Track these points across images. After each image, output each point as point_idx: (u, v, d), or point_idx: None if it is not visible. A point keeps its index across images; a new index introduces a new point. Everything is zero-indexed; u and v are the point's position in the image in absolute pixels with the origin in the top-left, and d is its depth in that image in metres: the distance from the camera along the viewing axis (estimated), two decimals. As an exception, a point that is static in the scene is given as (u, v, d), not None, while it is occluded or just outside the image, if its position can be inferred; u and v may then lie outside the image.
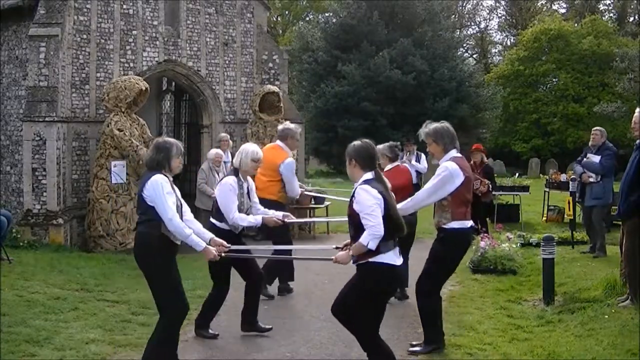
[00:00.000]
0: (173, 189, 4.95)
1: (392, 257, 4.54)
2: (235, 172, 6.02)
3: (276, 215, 6.24)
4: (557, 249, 7.63)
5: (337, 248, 4.84)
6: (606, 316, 6.18)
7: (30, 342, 5.61)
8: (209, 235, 5.27)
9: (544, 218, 13.92)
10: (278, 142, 7.64)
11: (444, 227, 5.45)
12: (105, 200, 10.32)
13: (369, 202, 4.43)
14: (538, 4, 43.55)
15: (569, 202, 10.70)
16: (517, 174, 16.32)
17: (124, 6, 11.37)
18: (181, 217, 4.95)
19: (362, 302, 4.57)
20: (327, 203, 13.14)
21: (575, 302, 6.88)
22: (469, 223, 5.50)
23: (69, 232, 10.45)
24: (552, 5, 43.91)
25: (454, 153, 5.46)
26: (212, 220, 6.00)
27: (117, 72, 11.28)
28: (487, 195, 11.37)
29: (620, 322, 5.92)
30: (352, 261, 4.60)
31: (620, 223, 7.41)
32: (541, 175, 24.39)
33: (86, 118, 11.14)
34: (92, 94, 11.13)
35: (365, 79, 27.62)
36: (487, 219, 11.91)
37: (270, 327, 6.21)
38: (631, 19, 38.89)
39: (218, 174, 10.90)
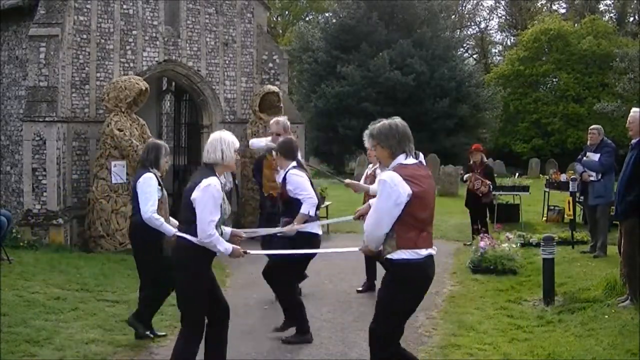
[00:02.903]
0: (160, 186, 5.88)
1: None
2: (212, 170, 4.65)
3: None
4: (557, 249, 7.63)
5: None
6: (606, 316, 6.18)
7: (30, 342, 5.61)
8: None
9: (544, 218, 13.91)
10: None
11: (389, 257, 4.10)
12: (105, 200, 10.31)
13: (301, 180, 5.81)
14: (538, 4, 43.59)
15: (569, 202, 10.70)
16: (517, 174, 16.33)
17: (124, 6, 11.36)
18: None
19: (292, 266, 5.98)
20: (327, 203, 13.16)
21: (575, 302, 6.88)
22: (424, 251, 4.09)
23: (69, 232, 10.45)
24: (552, 5, 43.94)
25: (401, 159, 4.17)
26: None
27: (117, 72, 11.27)
28: (488, 196, 11.39)
29: (620, 322, 5.92)
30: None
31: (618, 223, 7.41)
32: (541, 175, 24.40)
33: (86, 118, 11.14)
34: (92, 94, 11.12)
35: (365, 80, 27.62)
36: (487, 219, 11.92)
37: None
38: (631, 19, 38.91)
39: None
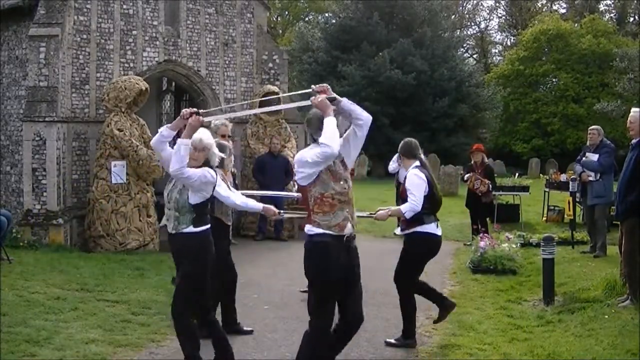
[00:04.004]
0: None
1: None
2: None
3: None
4: (557, 249, 7.63)
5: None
6: (606, 316, 6.18)
7: (30, 342, 5.61)
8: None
9: (544, 218, 13.92)
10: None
11: None
12: (105, 201, 10.32)
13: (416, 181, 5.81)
14: (538, 4, 43.60)
15: (569, 202, 10.71)
16: (517, 174, 16.33)
17: (124, 6, 11.36)
18: None
19: (410, 265, 5.95)
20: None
21: (575, 302, 6.88)
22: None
23: (69, 232, 10.45)
24: (552, 5, 43.94)
25: None
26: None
27: (117, 72, 11.27)
28: (488, 195, 11.38)
29: (620, 322, 5.92)
30: (400, 229, 6.07)
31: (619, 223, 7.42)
32: (541, 175, 24.38)
33: (86, 118, 11.14)
34: (92, 94, 11.12)
35: (366, 79, 27.62)
36: (488, 219, 11.91)
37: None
38: (631, 19, 38.92)
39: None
